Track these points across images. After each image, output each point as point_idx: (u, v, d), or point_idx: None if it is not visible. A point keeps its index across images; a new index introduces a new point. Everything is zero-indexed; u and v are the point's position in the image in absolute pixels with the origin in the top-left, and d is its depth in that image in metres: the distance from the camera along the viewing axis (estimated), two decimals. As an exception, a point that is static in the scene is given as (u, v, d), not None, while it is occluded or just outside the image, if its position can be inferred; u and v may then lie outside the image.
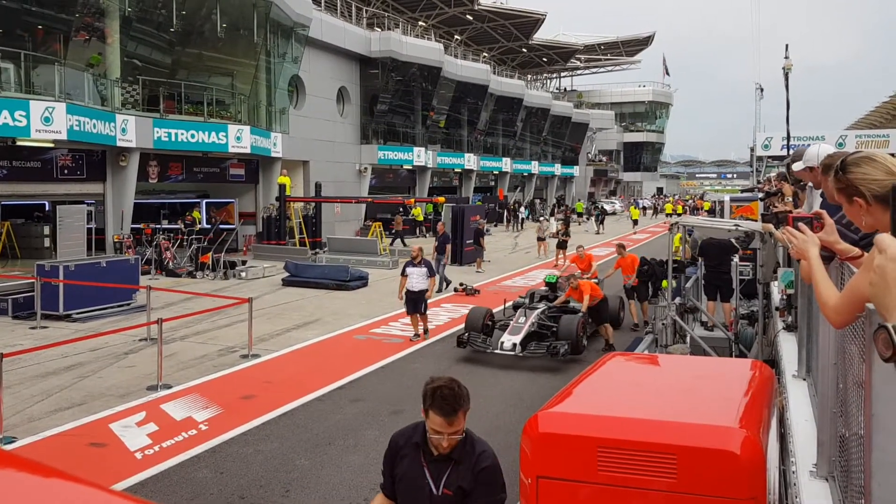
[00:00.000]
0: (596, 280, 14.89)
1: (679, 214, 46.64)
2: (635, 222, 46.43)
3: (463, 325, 12.91)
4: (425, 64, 40.11)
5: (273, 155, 28.58)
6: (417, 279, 13.26)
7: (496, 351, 11.67)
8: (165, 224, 26.62)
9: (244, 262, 22.94)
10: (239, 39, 27.39)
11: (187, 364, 11.60)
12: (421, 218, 37.94)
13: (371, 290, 19.66)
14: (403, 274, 13.50)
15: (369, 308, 16.69)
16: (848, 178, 2.39)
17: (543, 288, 14.37)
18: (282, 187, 27.97)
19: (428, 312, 13.84)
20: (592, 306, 12.65)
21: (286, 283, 20.13)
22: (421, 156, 41.23)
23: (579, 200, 62.62)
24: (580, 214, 51.98)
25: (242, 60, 27.58)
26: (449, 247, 19.45)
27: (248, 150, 26.16)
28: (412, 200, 36.48)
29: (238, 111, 27.16)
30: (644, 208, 67.48)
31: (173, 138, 24.13)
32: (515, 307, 13.42)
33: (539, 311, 12.44)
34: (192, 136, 24.62)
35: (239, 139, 25.56)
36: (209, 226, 26.51)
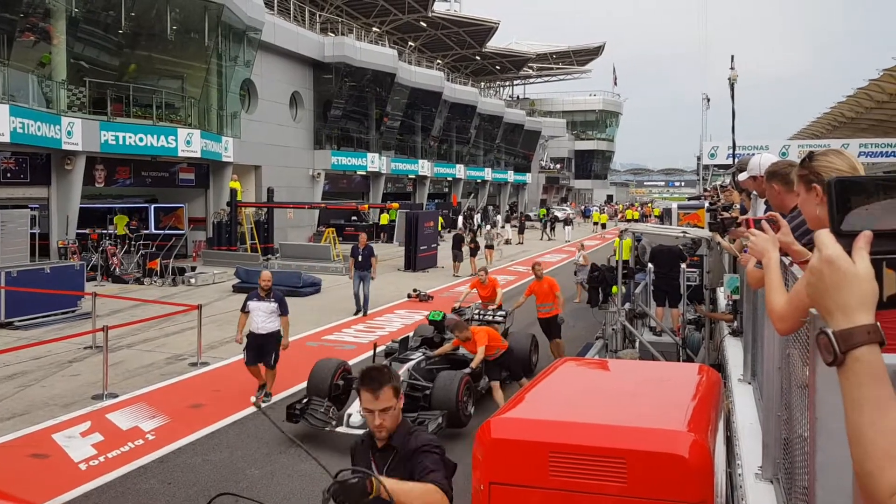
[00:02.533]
0: (501, 315, 12.45)
1: (628, 221, 47.77)
2: (604, 226, 47.40)
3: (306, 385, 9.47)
4: (379, 70, 40.02)
5: (224, 159, 28.19)
6: (263, 318, 9.93)
7: (340, 428, 8.22)
8: (112, 229, 26.03)
9: (194, 269, 22.56)
10: (189, 42, 26.98)
11: (134, 372, 11.36)
12: (385, 222, 37.79)
13: (324, 297, 19.51)
14: (244, 310, 10.15)
15: (322, 315, 16.56)
16: (812, 166, 2.50)
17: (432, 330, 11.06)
18: (233, 192, 27.59)
19: (373, 322, 13.74)
20: (492, 360, 9.66)
21: (237, 289, 19.84)
22: (375, 162, 41.10)
23: (542, 206, 63.25)
24: (541, 220, 52.58)
25: (193, 63, 27.15)
26: (374, 260, 17.03)
27: (198, 155, 25.76)
28: (366, 206, 36.32)
29: (188, 115, 26.72)
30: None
31: (121, 142, 23.63)
32: (387, 354, 10.48)
33: (411, 363, 9.46)
34: (141, 139, 24.15)
35: (189, 143, 25.17)
36: (159, 231, 26.00)
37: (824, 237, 1.10)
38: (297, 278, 19.94)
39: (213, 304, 17.45)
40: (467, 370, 9.33)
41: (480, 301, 13.56)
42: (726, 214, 6.41)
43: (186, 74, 27.32)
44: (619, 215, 59.06)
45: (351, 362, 10.70)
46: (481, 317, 12.32)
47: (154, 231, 26.19)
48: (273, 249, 27.33)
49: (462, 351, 9.88)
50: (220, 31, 27.05)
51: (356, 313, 16.50)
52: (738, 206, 6.81)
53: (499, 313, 12.59)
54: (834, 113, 64.78)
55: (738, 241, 4.86)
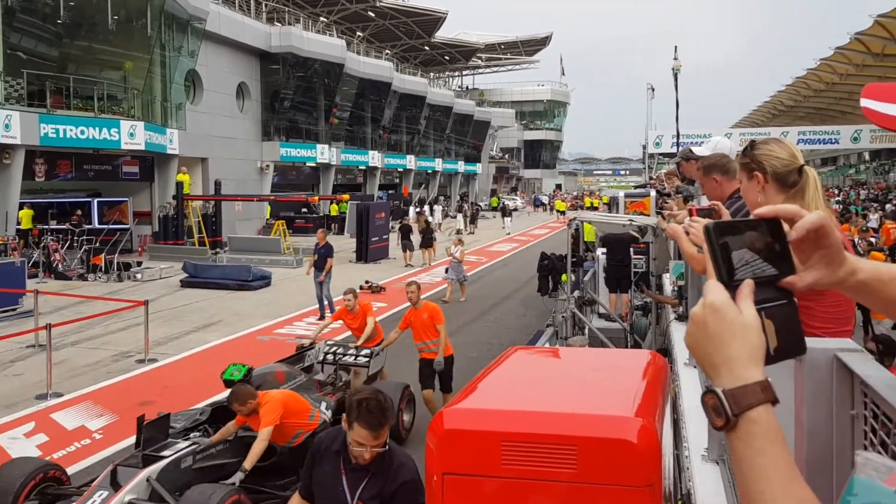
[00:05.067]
0: (366, 356, 9.22)
1: (561, 212, 48.69)
2: (562, 213, 47.80)
3: None
4: (327, 60, 39.65)
5: (169, 152, 27.63)
6: None
7: None
8: (54, 224, 25.33)
9: (139, 264, 22.15)
10: (132, 32, 26.33)
11: (79, 371, 11.12)
12: (336, 213, 37.51)
13: (275, 290, 19.34)
14: None
15: (273, 308, 16.41)
16: (754, 154, 2.57)
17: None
18: (179, 185, 27.09)
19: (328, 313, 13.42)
20: (296, 446, 6.52)
21: (185, 284, 19.55)
22: (324, 153, 40.75)
23: (494, 196, 63.53)
24: (495, 209, 52.78)
25: (135, 54, 26.51)
26: (331, 261, 15.81)
27: (142, 147, 25.20)
28: (316, 198, 36.02)
29: (131, 106, 26.11)
30: (543, 205, 69.09)
31: (61, 134, 22.98)
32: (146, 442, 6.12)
33: (161, 464, 5.82)
34: (82, 132, 23.51)
35: (132, 135, 24.60)
36: (102, 226, 25.39)
37: (710, 283, 0.98)
38: (246, 272, 19.73)
39: (160, 299, 17.17)
40: (239, 476, 5.92)
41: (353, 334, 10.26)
42: (671, 204, 6.54)
43: (129, 65, 26.67)
44: (570, 203, 59.66)
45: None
46: (337, 359, 9.23)
47: (97, 226, 25.57)
48: (221, 243, 26.94)
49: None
50: (163, 20, 26.46)
51: (320, 318, 15.20)
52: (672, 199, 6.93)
53: (362, 353, 9.24)
54: (774, 101, 66.57)
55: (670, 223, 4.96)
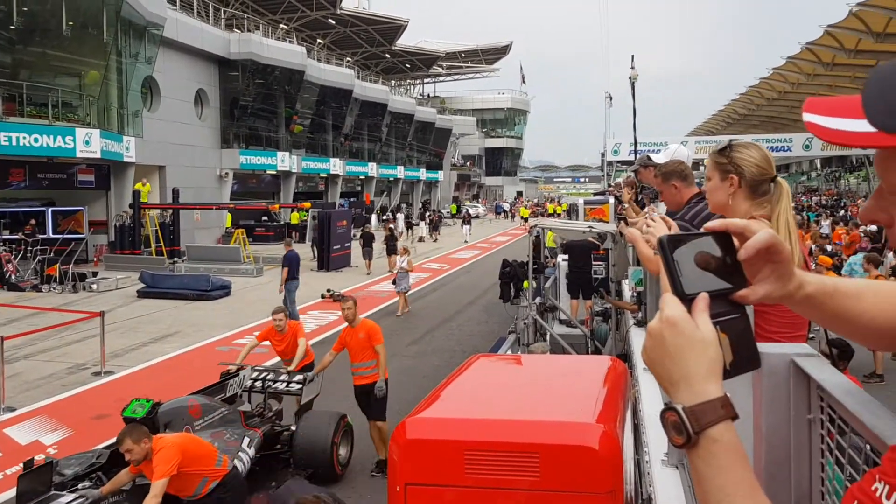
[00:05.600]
0: (298, 383, 8.38)
1: (525, 219, 48.88)
2: (526, 219, 48.00)
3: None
4: (287, 67, 39.41)
5: (126, 160, 27.18)
6: None
7: None
8: (6, 234, 24.73)
9: (95, 274, 21.72)
10: (87, 38, 25.88)
11: (33, 384, 10.86)
12: (297, 221, 37.13)
13: (234, 300, 19.12)
14: None
15: (233, 318, 16.21)
16: (733, 156, 2.60)
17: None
18: (136, 194, 26.64)
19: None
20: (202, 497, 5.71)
21: (142, 294, 19.22)
22: (285, 160, 40.44)
23: (454, 203, 63.68)
24: (455, 216, 52.73)
25: (91, 60, 26.06)
26: (284, 271, 15.52)
27: (97, 155, 24.75)
28: (277, 206, 35.70)
29: (87, 114, 25.64)
30: (504, 212, 69.48)
31: (14, 142, 22.48)
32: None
33: None
34: (36, 140, 23.04)
35: (88, 143, 24.16)
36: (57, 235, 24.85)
37: (667, 297, 0.96)
38: (205, 281, 19.48)
39: (117, 310, 16.85)
40: None
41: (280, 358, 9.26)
42: (628, 210, 6.61)
43: (84, 72, 26.19)
44: (533, 209, 59.99)
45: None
46: (266, 386, 8.29)
47: (52, 235, 25.01)
48: (179, 252, 26.54)
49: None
50: (120, 26, 26.06)
51: None
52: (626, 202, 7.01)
53: (295, 379, 8.40)
54: (728, 110, 67.81)
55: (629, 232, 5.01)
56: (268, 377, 8.43)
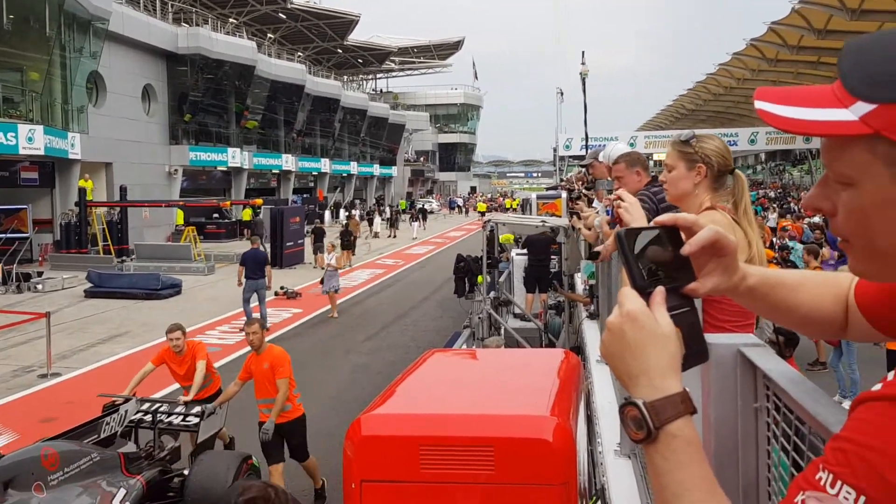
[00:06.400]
0: (196, 415, 7.17)
1: (483, 213, 49.12)
2: (483, 214, 48.14)
3: None
4: (237, 62, 38.84)
5: (71, 157, 26.50)
6: None
7: None
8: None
9: (40, 274, 21.15)
10: (29, 32, 25.13)
11: (-24, 388, 10.55)
12: (248, 218, 36.63)
13: (185, 298, 18.82)
14: None
15: (184, 317, 15.90)
16: (701, 146, 2.67)
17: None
18: (82, 191, 26.00)
19: (239, 322, 12.75)
20: None
21: (89, 294, 18.79)
22: (236, 157, 39.87)
23: (405, 199, 63.59)
24: (404, 212, 52.58)
25: (34, 55, 25.31)
26: (269, 269, 15.19)
27: (41, 152, 24.06)
28: (228, 203, 35.20)
29: (29, 109, 24.93)
30: (458, 207, 69.67)
31: (-48, 139, 21.77)
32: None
33: None
34: (-25, 136, 22.35)
35: (31, 140, 23.47)
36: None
37: (626, 291, 0.96)
38: (155, 280, 19.14)
39: (64, 310, 16.45)
40: None
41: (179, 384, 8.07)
42: (581, 205, 6.69)
43: (27, 66, 25.45)
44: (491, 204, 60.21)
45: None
46: (156, 420, 7.04)
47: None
48: (128, 251, 26.01)
49: None
50: (63, 20, 25.38)
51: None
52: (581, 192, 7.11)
53: (192, 412, 7.19)
54: (676, 105, 68.98)
55: (593, 228, 5.09)
56: (160, 409, 7.17)
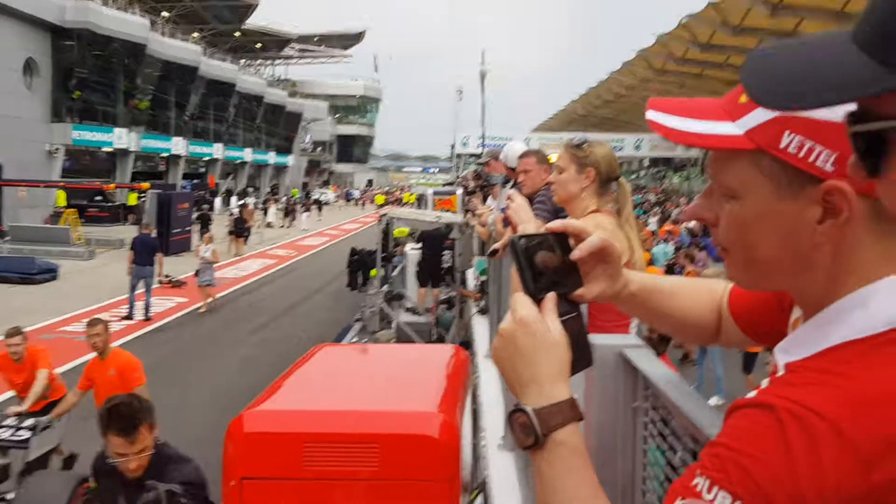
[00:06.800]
0: (28, 430, 6.10)
1: (381, 206, 49.06)
2: (381, 206, 47.83)
3: None
4: (128, 40, 37.30)
5: (-62, 129, 24.74)
6: None
7: None
8: None
9: None
10: None
11: None
12: (134, 203, 34.97)
13: (63, 284, 17.93)
14: None
15: (61, 303, 15.17)
16: (593, 151, 2.76)
17: None
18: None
19: (119, 310, 12.29)
20: None
21: (-42, 278, 17.60)
22: (122, 138, 38.18)
23: (294, 188, 62.52)
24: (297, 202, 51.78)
25: None
26: (160, 256, 14.92)
27: None
28: (112, 186, 33.64)
29: None
30: (355, 200, 69.32)
31: None
32: None
33: None
34: None
35: None
36: None
37: (518, 297, 0.96)
38: (30, 264, 18.18)
39: (-75, 294, 15.34)
40: None
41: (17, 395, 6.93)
42: (475, 201, 6.76)
43: None
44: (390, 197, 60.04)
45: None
46: None
47: None
48: (2, 232, 24.50)
49: None
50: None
51: (127, 317, 14.22)
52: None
53: (24, 425, 6.14)
54: (568, 110, 70.85)
55: (487, 225, 5.16)
56: None
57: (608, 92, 54.03)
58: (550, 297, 0.96)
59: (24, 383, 6.63)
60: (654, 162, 68.20)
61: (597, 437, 1.45)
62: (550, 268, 1.00)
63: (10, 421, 6.15)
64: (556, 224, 1.05)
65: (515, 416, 0.90)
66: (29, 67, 33.05)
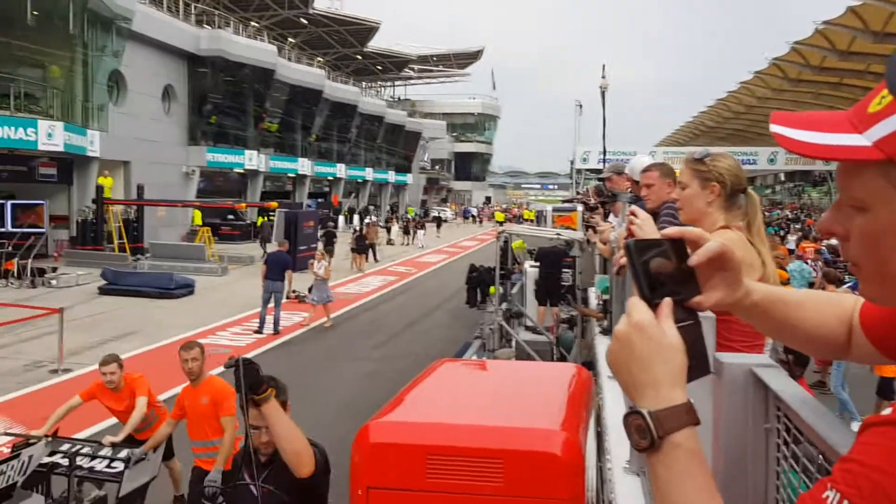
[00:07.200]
0: (122, 462, 5.77)
1: (501, 223, 49.02)
2: (501, 223, 48.16)
3: None
4: (258, 65, 39.12)
5: (89, 154, 26.75)
6: None
7: None
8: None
9: (55, 269, 21.32)
10: (52, 29, 25.43)
11: (-12, 381, 10.62)
12: (261, 222, 36.76)
13: (198, 298, 18.90)
14: None
15: (196, 317, 16.02)
16: (716, 164, 2.66)
17: None
18: (99, 188, 26.24)
19: (251, 324, 12.80)
20: None
21: (103, 291, 18.90)
22: (253, 159, 40.09)
23: (411, 206, 63.76)
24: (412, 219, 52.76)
25: (56, 52, 25.65)
26: (290, 273, 15.43)
27: (60, 149, 24.34)
28: (244, 205, 35.36)
29: (50, 106, 25.21)
30: (473, 217, 69.73)
31: (-27, 133, 22.04)
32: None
33: None
34: (-3, 131, 22.61)
35: (50, 136, 23.73)
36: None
37: (634, 301, 0.97)
38: (168, 279, 19.25)
39: (77, 306, 16.54)
40: None
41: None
42: (596, 218, 6.68)
43: (49, 63, 25.76)
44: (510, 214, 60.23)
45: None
46: (73, 466, 5.58)
47: (10, 229, 24.49)
48: (143, 249, 26.20)
49: None
50: (86, 18, 25.69)
51: (257, 331, 14.72)
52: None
53: (119, 456, 5.81)
54: (696, 122, 68.77)
55: (609, 242, 5.09)
56: (80, 451, 5.83)
57: (738, 103, 52.18)
58: (667, 303, 0.97)
59: (125, 411, 6.36)
60: (791, 176, 65.23)
61: (725, 455, 1.43)
62: (667, 274, 1.01)
63: (106, 451, 5.88)
64: (673, 230, 1.05)
65: (631, 418, 0.91)
66: (167, 94, 35.26)
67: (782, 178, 70.67)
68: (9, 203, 26.10)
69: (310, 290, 16.05)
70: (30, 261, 20.22)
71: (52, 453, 5.71)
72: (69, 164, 27.27)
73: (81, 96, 26.70)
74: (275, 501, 3.23)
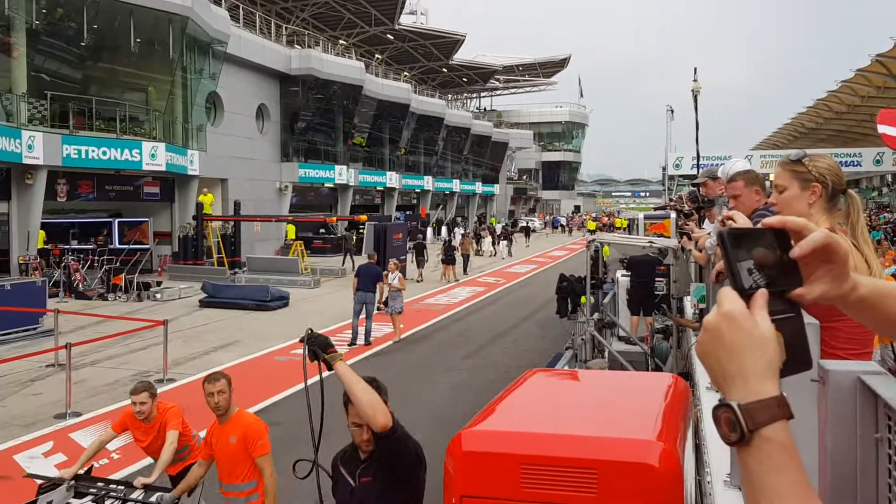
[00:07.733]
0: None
1: (593, 232, 48.28)
2: (593, 232, 47.77)
3: None
4: (346, 82, 40.04)
5: (190, 173, 27.94)
6: None
7: None
8: (75, 244, 25.59)
9: (159, 283, 22.30)
10: (154, 54, 26.74)
11: (98, 390, 11.17)
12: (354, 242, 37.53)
13: (293, 310, 19.38)
14: None
15: (291, 328, 16.41)
16: (816, 165, 2.59)
17: None
18: (199, 206, 27.35)
19: (343, 335, 13.04)
20: None
21: (204, 304, 19.65)
22: (342, 174, 41.00)
23: (493, 216, 63.79)
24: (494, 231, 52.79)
25: (157, 76, 26.93)
26: (381, 285, 15.47)
27: (163, 168, 25.51)
28: (334, 219, 36.17)
29: (153, 128, 26.47)
30: (562, 226, 69.07)
31: (83, 155, 23.31)
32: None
33: None
34: (104, 153, 23.85)
35: (154, 156, 24.91)
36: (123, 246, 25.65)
37: (725, 291, 0.94)
38: (264, 292, 19.81)
39: (180, 319, 17.25)
40: None
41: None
42: (691, 225, 6.52)
43: (151, 87, 27.08)
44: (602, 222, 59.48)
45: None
46: None
47: (118, 246, 25.84)
48: (240, 263, 27.12)
49: None
50: (185, 43, 26.87)
51: (350, 344, 14.82)
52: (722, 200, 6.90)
53: (149, 501, 5.36)
54: (794, 123, 66.21)
55: (704, 250, 4.95)
56: (110, 493, 5.49)
57: (840, 103, 50.00)
58: (761, 294, 0.94)
59: (150, 445, 5.94)
60: (899, 178, 62.08)
61: (832, 465, 1.37)
62: (767, 265, 0.97)
63: (137, 494, 5.39)
64: (775, 220, 1.01)
65: (720, 411, 0.89)
66: (261, 113, 36.50)
67: (889, 181, 67.22)
68: (116, 221, 27.57)
69: (385, 302, 16.08)
70: (136, 275, 21.21)
71: (81, 496, 5.41)
72: (171, 183, 28.52)
73: (181, 118, 27.93)
74: (372, 493, 3.30)
